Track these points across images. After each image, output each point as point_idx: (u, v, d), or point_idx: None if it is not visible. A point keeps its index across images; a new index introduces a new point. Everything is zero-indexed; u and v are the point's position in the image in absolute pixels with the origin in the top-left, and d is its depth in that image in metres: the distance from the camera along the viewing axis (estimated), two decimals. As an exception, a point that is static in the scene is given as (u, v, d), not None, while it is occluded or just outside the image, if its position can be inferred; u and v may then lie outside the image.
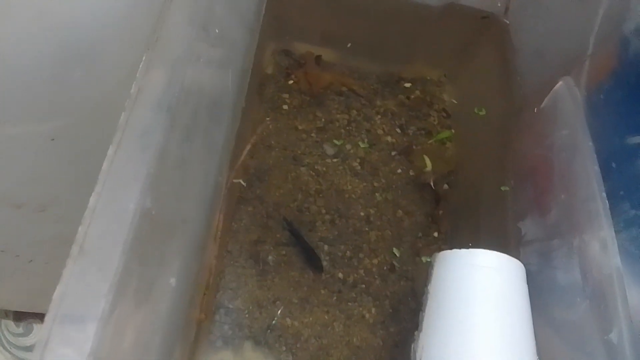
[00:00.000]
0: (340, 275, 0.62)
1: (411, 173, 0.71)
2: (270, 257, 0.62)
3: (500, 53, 0.75)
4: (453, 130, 0.75)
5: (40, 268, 0.68)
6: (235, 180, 0.63)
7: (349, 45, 0.78)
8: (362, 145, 0.71)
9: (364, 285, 0.62)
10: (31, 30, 0.44)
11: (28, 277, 0.71)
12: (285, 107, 0.72)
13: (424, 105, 0.77)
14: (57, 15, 0.45)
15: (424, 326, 0.47)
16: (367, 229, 0.66)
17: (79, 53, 0.48)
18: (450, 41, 0.80)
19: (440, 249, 0.51)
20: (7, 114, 0.49)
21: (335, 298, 0.61)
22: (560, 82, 0.59)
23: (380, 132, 0.73)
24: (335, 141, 0.71)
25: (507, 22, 0.75)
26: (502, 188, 0.64)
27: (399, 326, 0.60)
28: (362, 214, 0.67)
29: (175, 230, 0.43)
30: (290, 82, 0.74)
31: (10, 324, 1.01)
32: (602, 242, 0.47)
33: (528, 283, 0.48)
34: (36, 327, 1.02)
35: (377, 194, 0.68)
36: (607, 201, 0.49)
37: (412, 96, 0.77)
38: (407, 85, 0.78)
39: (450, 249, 0.49)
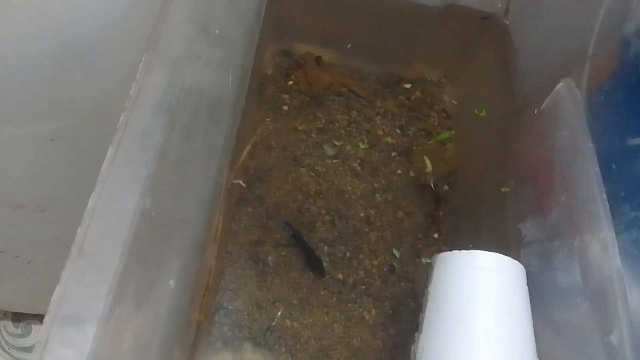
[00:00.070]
0: (340, 276, 0.62)
1: (411, 174, 0.71)
2: (270, 258, 0.61)
3: (500, 54, 0.74)
4: (453, 131, 0.75)
5: (39, 269, 0.68)
6: (235, 181, 0.63)
7: (349, 46, 0.78)
8: (362, 146, 0.71)
9: (364, 287, 0.62)
10: (31, 30, 0.44)
11: (27, 278, 0.71)
12: (285, 107, 0.72)
13: (424, 106, 0.77)
14: (57, 16, 0.45)
15: (424, 327, 0.47)
16: (367, 229, 0.66)
17: (78, 53, 0.47)
18: (450, 42, 0.80)
19: (440, 250, 0.51)
20: (7, 115, 0.49)
21: (335, 299, 0.61)
22: (560, 83, 0.59)
23: (380, 132, 0.73)
24: (336, 142, 0.71)
25: (508, 23, 0.75)
26: (503, 189, 0.64)
27: (399, 327, 0.60)
28: (362, 214, 0.67)
29: (175, 231, 0.43)
30: (290, 82, 0.74)
31: (9, 324, 1.00)
32: (603, 244, 0.47)
33: (528, 284, 0.48)
34: (35, 328, 1.02)
35: (377, 195, 0.68)
36: (607, 202, 0.49)
37: (413, 97, 0.77)
38: (408, 86, 0.78)
39: (451, 250, 0.49)
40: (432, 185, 0.69)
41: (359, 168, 0.70)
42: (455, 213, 0.68)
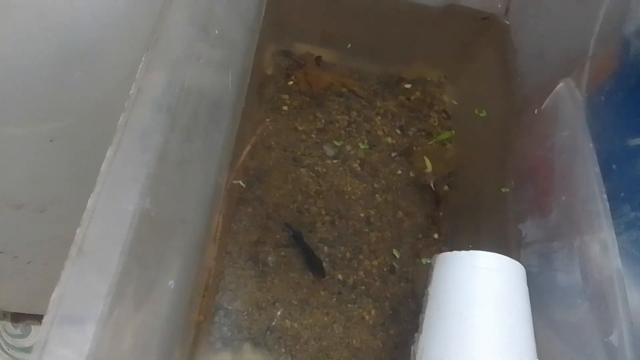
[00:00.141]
0: (340, 276, 0.62)
1: (411, 174, 0.71)
2: (269, 259, 0.61)
3: (500, 54, 0.74)
4: (453, 132, 0.75)
5: (39, 269, 0.68)
6: (235, 181, 0.63)
7: (349, 46, 0.78)
8: (362, 147, 0.71)
9: (363, 287, 0.62)
10: (31, 30, 0.44)
11: (27, 278, 0.71)
12: (285, 108, 0.72)
13: (424, 106, 0.77)
14: (57, 16, 0.45)
15: (423, 328, 0.47)
16: (367, 230, 0.66)
17: (78, 53, 0.47)
18: (450, 42, 0.80)
19: (440, 251, 0.51)
20: (7, 115, 0.49)
21: (335, 299, 0.61)
22: (560, 84, 0.59)
23: (380, 133, 0.73)
24: (335, 142, 0.71)
25: (508, 23, 0.75)
26: (503, 189, 0.64)
27: (399, 328, 0.60)
28: (362, 215, 0.67)
29: (175, 232, 0.43)
30: (290, 82, 0.74)
31: (8, 325, 1.00)
32: (603, 244, 0.47)
33: (528, 284, 0.48)
34: (34, 328, 1.01)
35: (377, 195, 0.68)
36: (607, 203, 0.49)
37: (413, 97, 0.77)
38: (408, 86, 0.78)
39: (451, 250, 0.49)
40: (432, 185, 0.69)
41: (359, 168, 0.70)
42: (456, 213, 0.68)
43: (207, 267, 0.56)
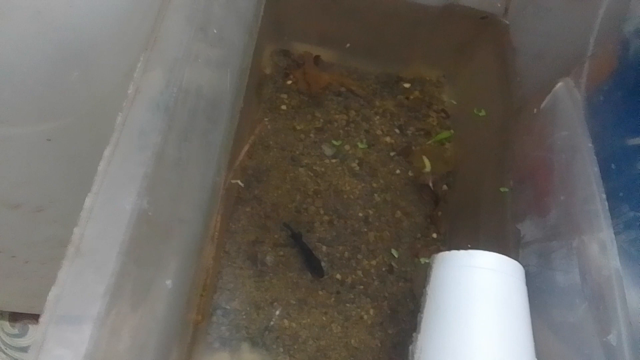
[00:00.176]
0: (339, 276, 0.62)
1: (410, 174, 0.71)
2: (268, 258, 0.61)
3: (499, 54, 0.74)
4: (452, 131, 0.75)
5: (36, 269, 0.68)
6: (233, 181, 0.63)
7: (347, 45, 0.77)
8: (360, 146, 0.71)
9: (362, 287, 0.62)
10: (29, 30, 0.44)
11: (24, 278, 0.71)
12: (283, 107, 0.72)
13: (423, 105, 0.77)
14: (55, 15, 0.45)
15: (422, 327, 0.47)
16: (365, 229, 0.66)
17: (76, 53, 0.47)
18: (449, 42, 0.80)
19: (439, 250, 0.51)
20: (4, 114, 0.49)
21: (333, 299, 0.61)
22: (559, 83, 0.59)
23: (379, 132, 0.73)
24: (334, 142, 0.71)
25: (507, 22, 0.75)
26: (502, 189, 0.64)
27: (398, 328, 0.60)
28: (360, 214, 0.67)
29: (172, 231, 0.43)
30: (289, 82, 0.74)
31: (6, 324, 1.00)
32: (602, 244, 0.47)
33: (527, 284, 0.48)
34: (32, 328, 1.01)
35: (375, 195, 0.68)
36: (606, 202, 0.49)
37: (411, 97, 0.77)
38: (406, 85, 0.78)
39: (449, 250, 0.49)
40: (430, 185, 0.69)
41: (357, 168, 0.70)
42: (454, 213, 0.68)
43: (205, 266, 0.56)
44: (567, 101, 0.57)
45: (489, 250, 0.48)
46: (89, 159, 0.37)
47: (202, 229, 0.52)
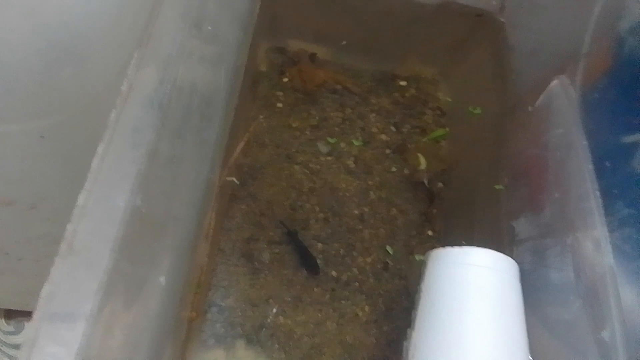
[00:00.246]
0: (334, 273, 0.62)
1: (405, 171, 0.71)
2: (263, 256, 0.61)
3: (495, 51, 0.74)
4: (447, 129, 0.75)
5: (30, 266, 0.68)
6: (228, 178, 0.63)
7: (343, 43, 0.77)
8: (356, 143, 0.71)
9: (357, 284, 0.62)
10: (22, 26, 0.44)
11: (18, 275, 0.70)
12: (279, 104, 0.72)
13: (419, 103, 0.77)
14: (47, 12, 0.45)
15: (416, 324, 0.47)
16: (360, 227, 0.66)
17: (69, 50, 0.47)
18: (445, 39, 0.80)
19: (433, 248, 0.51)
20: (-3, 111, 0.49)
21: (328, 296, 0.61)
22: (554, 81, 0.59)
23: (374, 130, 0.73)
24: (329, 139, 0.71)
25: (503, 20, 0.75)
26: (497, 187, 0.64)
27: (392, 325, 0.60)
28: (355, 212, 0.67)
29: (166, 229, 0.43)
30: (285, 79, 0.74)
31: (1, 322, 1.00)
32: (596, 241, 0.47)
33: (521, 281, 0.48)
34: (27, 325, 1.01)
35: (371, 192, 0.68)
36: (600, 200, 0.49)
37: (407, 94, 0.77)
38: (402, 83, 0.78)
39: (444, 247, 0.49)
40: (426, 182, 0.69)
41: (352, 165, 0.70)
42: (449, 210, 0.68)
43: (199, 264, 0.56)
44: (562, 99, 0.57)
45: (484, 248, 0.48)
46: (83, 156, 0.37)
47: (196, 226, 0.52)
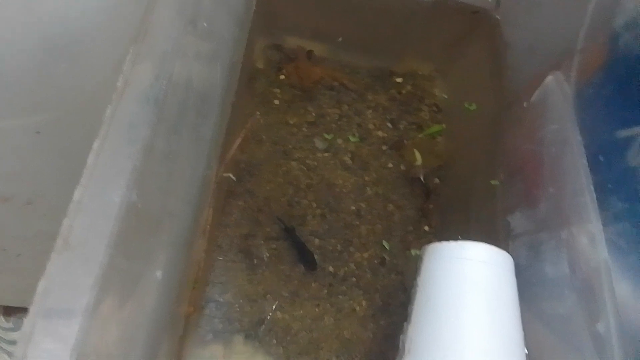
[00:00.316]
0: (331, 268, 0.62)
1: (402, 167, 0.71)
2: (260, 252, 0.62)
3: (491, 48, 0.75)
4: (444, 125, 0.75)
5: (28, 262, 0.68)
6: (225, 175, 0.63)
7: (339, 39, 0.77)
8: (352, 140, 0.71)
9: (354, 279, 0.62)
10: (17, 22, 0.44)
11: (16, 272, 0.71)
12: (276, 101, 0.72)
13: (415, 100, 0.77)
14: (42, 7, 0.45)
15: (412, 318, 0.47)
16: (357, 223, 0.66)
17: (64, 46, 0.47)
18: (441, 36, 0.80)
19: (430, 243, 0.51)
20: (-8, 107, 0.49)
21: (325, 291, 0.61)
22: (549, 77, 0.59)
23: (371, 126, 0.73)
24: (326, 135, 0.71)
25: (498, 17, 0.75)
26: (492, 182, 0.65)
27: (389, 319, 0.60)
28: (352, 208, 0.67)
29: (162, 224, 0.43)
30: (281, 76, 0.74)
31: (0, 318, 1.00)
32: (590, 235, 0.47)
33: (517, 276, 0.48)
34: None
35: (367, 188, 0.68)
36: (595, 194, 0.49)
37: (403, 91, 0.77)
38: (399, 80, 0.78)
39: (440, 241, 0.49)
40: (422, 178, 0.69)
41: (349, 161, 0.70)
42: (445, 206, 0.69)
43: (196, 260, 0.56)
44: (557, 95, 0.58)
45: (480, 242, 0.48)
46: (79, 152, 0.37)
47: (193, 222, 0.53)
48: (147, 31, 0.41)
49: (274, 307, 0.58)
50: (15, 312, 1.01)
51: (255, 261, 0.61)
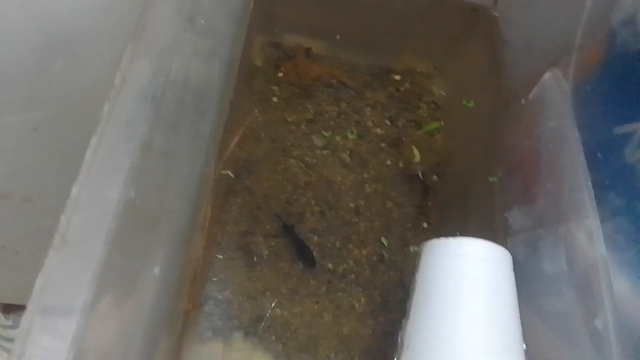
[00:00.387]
0: (330, 265, 0.62)
1: (400, 165, 0.71)
2: (259, 249, 0.62)
3: (489, 45, 0.75)
4: (442, 122, 0.75)
5: (27, 260, 0.68)
6: (223, 172, 0.63)
7: (337, 37, 0.77)
8: (351, 137, 0.71)
9: (353, 276, 0.62)
10: (13, 18, 0.44)
11: (15, 269, 0.71)
12: (274, 99, 0.72)
13: (414, 97, 0.77)
14: (40, 4, 0.45)
15: (410, 314, 0.47)
16: (356, 220, 0.66)
17: (61, 42, 0.47)
18: (439, 33, 0.80)
19: (428, 239, 0.51)
20: (-12, 104, 0.49)
21: (324, 288, 0.61)
22: (547, 74, 0.60)
23: (369, 124, 0.73)
24: (325, 133, 0.71)
25: (496, 14, 0.75)
26: (490, 179, 0.65)
27: (388, 316, 0.60)
28: (351, 205, 0.67)
29: (160, 221, 0.43)
30: (280, 74, 0.74)
31: (0, 316, 1.01)
32: (588, 231, 0.47)
33: (515, 272, 0.49)
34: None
35: (366, 186, 0.69)
36: (592, 190, 0.49)
37: (402, 88, 0.77)
38: (397, 77, 0.78)
39: (438, 238, 0.49)
40: (420, 175, 0.70)
41: (348, 159, 0.70)
42: (444, 203, 0.69)
43: (195, 257, 0.56)
44: (555, 91, 0.58)
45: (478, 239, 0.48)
46: (77, 149, 0.37)
47: (191, 219, 0.53)
48: (145, 28, 0.42)
49: (273, 304, 0.58)
50: (15, 309, 1.01)
51: (254, 258, 0.61)
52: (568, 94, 0.57)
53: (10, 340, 0.99)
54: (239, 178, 0.65)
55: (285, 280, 0.60)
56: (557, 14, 0.64)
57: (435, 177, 0.70)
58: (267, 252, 0.62)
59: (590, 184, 0.49)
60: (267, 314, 0.58)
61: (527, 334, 0.47)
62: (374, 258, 0.64)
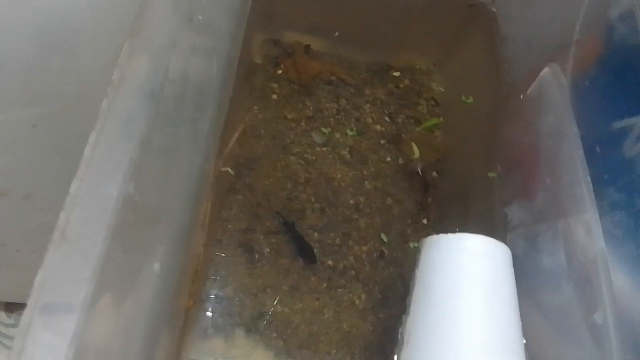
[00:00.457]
0: (330, 262, 0.63)
1: (400, 161, 0.71)
2: (260, 246, 0.62)
3: (487, 41, 0.75)
4: (441, 119, 0.75)
5: (28, 257, 0.68)
6: (223, 169, 0.63)
7: (336, 34, 0.78)
8: (351, 134, 0.71)
9: (353, 272, 0.62)
10: (10, 14, 0.44)
11: (16, 267, 0.71)
12: (274, 96, 0.72)
13: (413, 93, 0.77)
14: (38, 0, 0.45)
15: (410, 310, 0.47)
16: (356, 216, 0.66)
17: (59, 38, 0.47)
18: (438, 30, 0.80)
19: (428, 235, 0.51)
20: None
21: (325, 285, 0.61)
22: (546, 69, 0.60)
23: (369, 120, 0.73)
24: (324, 130, 0.71)
25: (495, 10, 0.75)
26: (490, 174, 0.65)
27: (389, 312, 0.61)
28: (351, 202, 0.67)
29: (160, 218, 0.43)
30: (279, 71, 0.74)
31: (2, 314, 1.01)
32: (587, 226, 0.47)
33: (515, 267, 0.49)
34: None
35: (366, 182, 0.69)
36: (591, 185, 0.49)
37: (401, 85, 0.77)
38: (396, 74, 0.78)
39: (438, 234, 0.49)
40: (420, 171, 0.70)
41: (348, 156, 0.70)
42: (444, 199, 0.69)
43: (196, 254, 0.56)
44: (553, 86, 0.58)
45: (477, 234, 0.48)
46: (76, 146, 0.37)
47: (191, 216, 0.53)
48: (143, 24, 0.42)
49: (276, 301, 0.59)
50: (17, 308, 1.01)
51: (255, 255, 0.61)
52: (567, 89, 0.57)
53: (13, 338, 0.99)
54: (239, 175, 0.65)
55: (286, 277, 0.61)
56: (556, 9, 0.64)
57: (434, 174, 0.71)
58: (267, 249, 0.62)
59: (589, 178, 0.49)
60: (269, 311, 0.58)
61: (527, 329, 0.47)
62: (374, 254, 0.64)
